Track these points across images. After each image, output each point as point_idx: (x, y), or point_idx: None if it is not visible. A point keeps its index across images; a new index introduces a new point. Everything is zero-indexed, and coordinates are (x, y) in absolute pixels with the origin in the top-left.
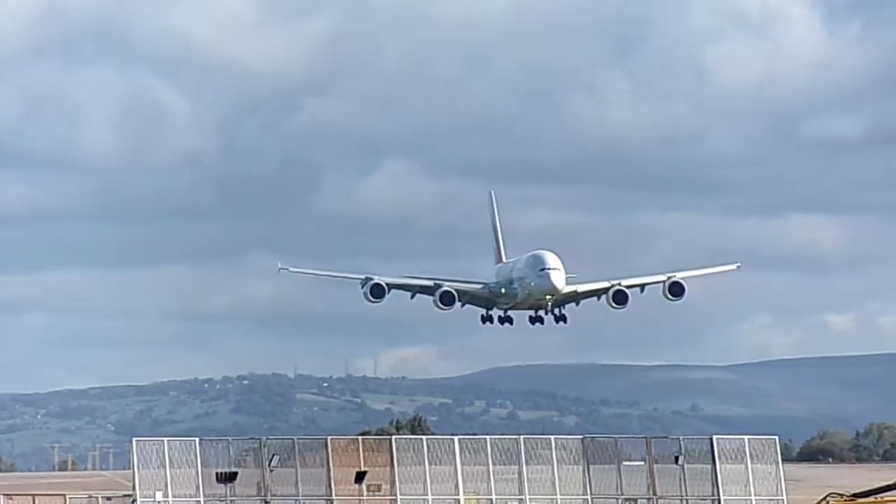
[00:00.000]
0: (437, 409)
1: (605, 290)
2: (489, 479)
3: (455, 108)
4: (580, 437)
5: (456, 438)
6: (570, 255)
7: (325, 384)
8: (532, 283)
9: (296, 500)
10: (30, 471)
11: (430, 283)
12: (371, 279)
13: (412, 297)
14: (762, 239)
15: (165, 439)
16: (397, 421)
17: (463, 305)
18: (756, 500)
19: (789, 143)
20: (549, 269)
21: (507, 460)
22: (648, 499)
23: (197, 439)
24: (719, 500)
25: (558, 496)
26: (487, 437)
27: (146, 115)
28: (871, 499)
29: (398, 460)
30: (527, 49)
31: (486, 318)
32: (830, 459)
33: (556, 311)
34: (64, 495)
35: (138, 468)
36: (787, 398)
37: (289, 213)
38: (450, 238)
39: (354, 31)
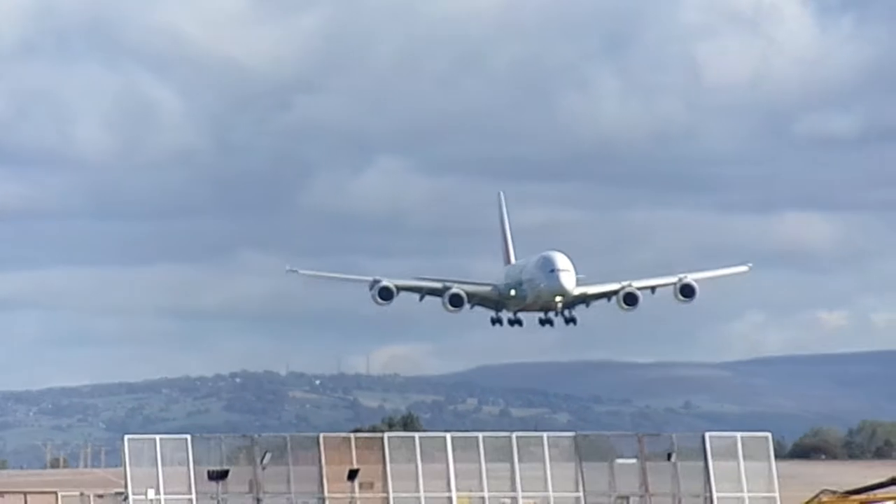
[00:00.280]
0: (429, 407)
1: (616, 292)
2: (481, 476)
3: (448, 104)
4: (572, 434)
5: (448, 436)
6: (563, 250)
7: (318, 382)
8: (542, 285)
9: (288, 497)
10: (21, 468)
11: (439, 284)
12: (379, 281)
13: (421, 299)
14: (755, 236)
15: (157, 437)
16: (390, 418)
17: (472, 307)
18: (748, 497)
19: (782, 140)
20: (559, 270)
21: (500, 458)
22: (641, 496)
23: (189, 437)
24: (711, 498)
25: (550, 493)
26: (480, 434)
27: (138, 113)
28: (863, 496)
29: (390, 458)
30: (519, 45)
31: (496, 320)
32: (823, 456)
33: (566, 312)
34: (56, 493)
35: (130, 466)
36: (779, 395)
37: (281, 210)
38: (443, 235)
39: (346, 28)
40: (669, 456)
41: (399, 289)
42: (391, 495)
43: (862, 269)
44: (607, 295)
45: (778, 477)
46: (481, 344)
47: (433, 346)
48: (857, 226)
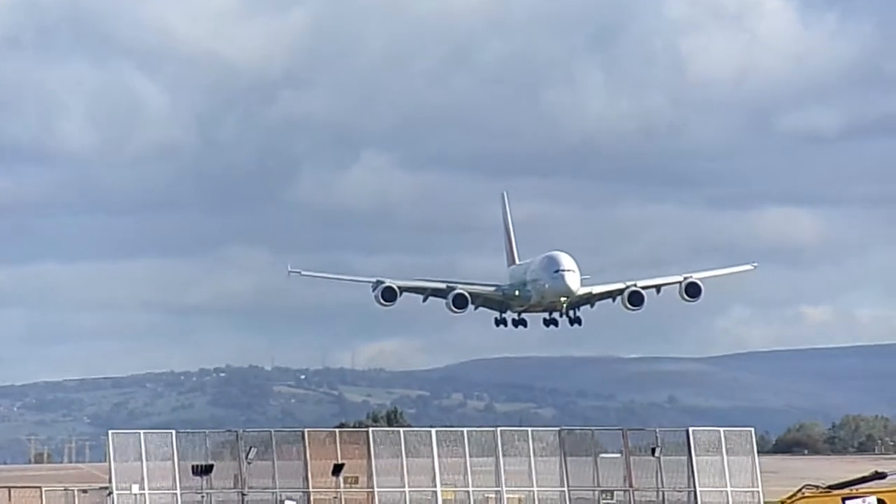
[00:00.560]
0: (414, 402)
1: (621, 292)
2: (466, 471)
3: (435, 100)
4: (557, 429)
5: (433, 431)
6: (550, 247)
7: (303, 376)
8: (546, 285)
9: (272, 492)
10: (5, 463)
11: (443, 285)
12: (382, 282)
13: (424, 300)
14: (739, 231)
15: (142, 432)
16: (374, 413)
17: (476, 308)
18: (732, 491)
19: (766, 135)
20: (563, 270)
21: (485, 452)
22: (625, 490)
23: (173, 432)
24: (695, 492)
25: (535, 488)
26: (464, 429)
27: (124, 108)
28: (845, 490)
29: (375, 453)
30: (506, 41)
31: (500, 321)
32: (806, 451)
33: (571, 313)
34: (40, 488)
35: (114, 461)
36: (763, 390)
37: (267, 205)
38: (430, 231)
39: (333, 24)
40: (653, 450)
41: (402, 290)
42: (376, 490)
43: (846, 265)
44: (612, 295)
45: (761, 471)
46: (466, 339)
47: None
48: (841, 221)
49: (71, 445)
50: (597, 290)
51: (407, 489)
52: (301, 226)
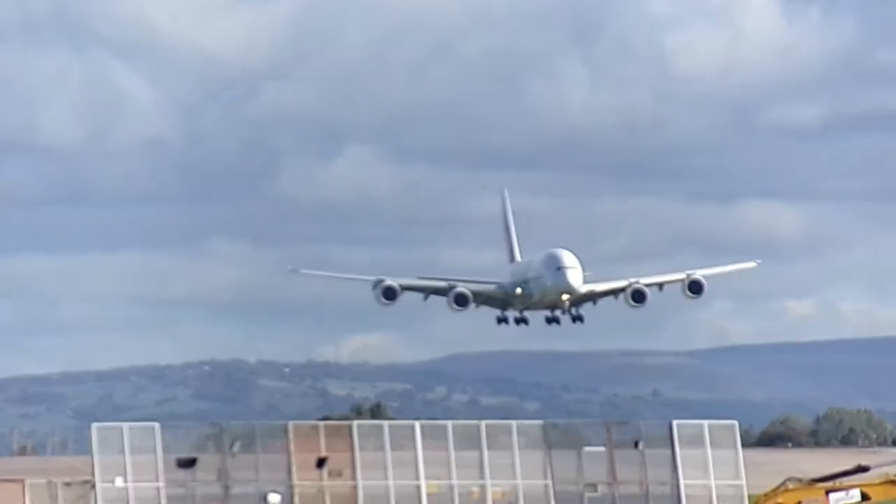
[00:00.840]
0: (398, 395)
1: (623, 289)
2: (450, 464)
3: (418, 93)
4: (541, 422)
5: (417, 424)
6: (534, 241)
7: (287, 370)
8: (548, 283)
9: (256, 485)
10: None
11: (444, 284)
12: (383, 281)
13: (425, 298)
14: (722, 225)
15: (125, 425)
16: (359, 407)
17: (477, 306)
18: (715, 485)
19: (749, 129)
20: (565, 267)
21: (469, 446)
22: (608, 484)
23: (157, 425)
24: (678, 486)
25: (519, 481)
26: (449, 422)
27: (106, 100)
28: (829, 483)
29: (359, 446)
30: (489, 35)
31: (502, 319)
32: (790, 445)
33: (573, 310)
34: (23, 481)
35: (98, 454)
36: (746, 384)
37: (251, 198)
38: (413, 224)
39: (317, 16)
40: (637, 444)
41: (403, 288)
42: (360, 483)
43: (829, 258)
44: (615, 292)
45: (745, 465)
46: (451, 333)
47: (402, 335)
48: (823, 215)
49: (54, 439)
50: (599, 287)
51: (391, 482)
52: (285, 219)
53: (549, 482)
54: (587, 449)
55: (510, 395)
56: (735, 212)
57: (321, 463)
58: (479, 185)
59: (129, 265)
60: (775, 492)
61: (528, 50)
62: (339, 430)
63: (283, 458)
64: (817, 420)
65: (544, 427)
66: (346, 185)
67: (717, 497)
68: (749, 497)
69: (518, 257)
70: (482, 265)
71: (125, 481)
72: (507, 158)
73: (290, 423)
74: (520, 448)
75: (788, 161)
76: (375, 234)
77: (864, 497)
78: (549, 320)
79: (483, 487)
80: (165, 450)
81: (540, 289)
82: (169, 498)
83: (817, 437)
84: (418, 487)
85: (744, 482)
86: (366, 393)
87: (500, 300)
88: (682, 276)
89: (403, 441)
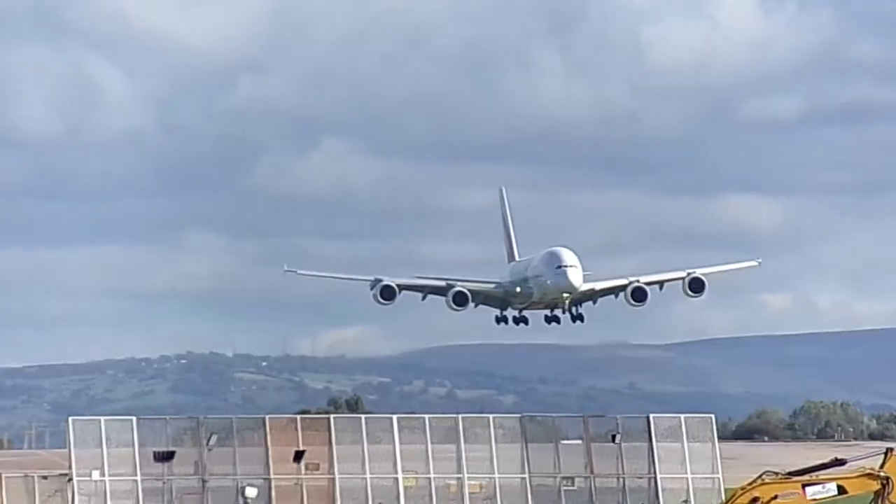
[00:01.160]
0: (375, 389)
1: (624, 288)
2: (427, 458)
3: (395, 86)
4: (518, 416)
5: (394, 417)
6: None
7: (264, 363)
8: (549, 282)
9: (234, 479)
10: None
11: (443, 283)
12: (381, 280)
13: (423, 297)
14: (699, 218)
15: (102, 418)
16: (335, 400)
17: (476, 306)
18: (692, 478)
19: (726, 122)
20: (566, 266)
21: (446, 439)
22: (586, 477)
23: (134, 418)
24: (656, 479)
25: (496, 475)
26: (426, 416)
27: (81, 92)
28: (805, 477)
29: (336, 439)
30: (466, 27)
31: (501, 319)
32: (766, 438)
33: (574, 309)
34: (0, 474)
35: (75, 447)
36: (723, 377)
37: (227, 191)
38: (390, 218)
39: (293, 8)
40: (614, 437)
41: (401, 288)
42: (337, 477)
43: (805, 252)
44: (615, 291)
45: (721, 458)
46: (427, 326)
47: (379, 328)
48: (800, 209)
49: (31, 432)
50: (599, 286)
51: (368, 476)
52: (261, 211)
53: (527, 475)
54: (564, 442)
55: (487, 389)
56: (712, 204)
57: (298, 456)
58: (456, 178)
59: (105, 258)
60: (752, 485)
61: (504, 43)
62: (317, 423)
63: (261, 452)
64: (794, 413)
65: (521, 421)
66: (323, 177)
67: (694, 490)
68: (725, 490)
69: (517, 256)
70: (461, 258)
71: (102, 474)
72: (485, 151)
73: (268, 417)
74: (497, 441)
75: (766, 154)
76: (353, 227)
77: (841, 490)
78: (549, 319)
79: (460, 481)
80: (142, 443)
81: (540, 287)
82: (146, 491)
83: (794, 430)
84: (396, 480)
85: (720, 475)
86: (343, 386)
87: (500, 299)
88: (682, 274)
89: (381, 434)
